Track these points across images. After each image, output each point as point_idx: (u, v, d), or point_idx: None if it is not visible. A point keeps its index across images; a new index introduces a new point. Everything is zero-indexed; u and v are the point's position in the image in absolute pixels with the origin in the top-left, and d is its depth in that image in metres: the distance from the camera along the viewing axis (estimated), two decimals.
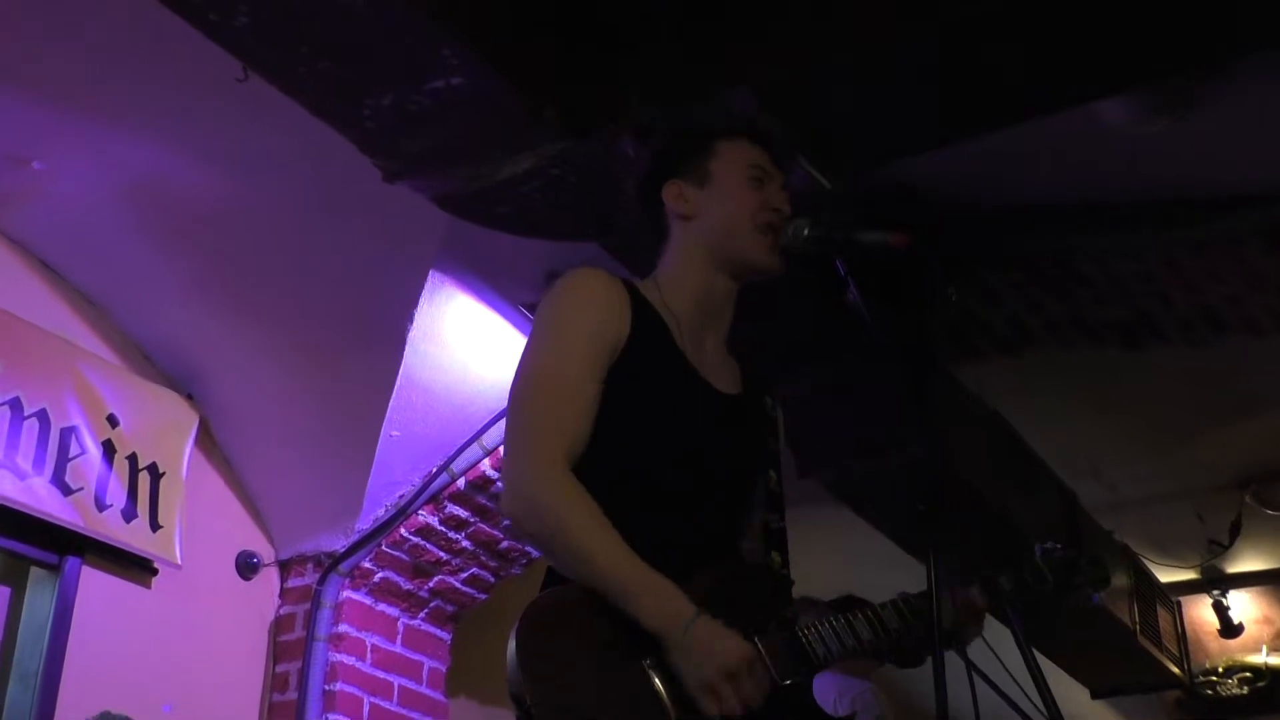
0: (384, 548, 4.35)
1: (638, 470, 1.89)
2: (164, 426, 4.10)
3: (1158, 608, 5.93)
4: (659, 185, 2.13)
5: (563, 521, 1.76)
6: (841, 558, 4.85)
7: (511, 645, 1.69)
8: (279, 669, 4.34)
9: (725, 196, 2.08)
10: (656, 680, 1.71)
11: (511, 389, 1.91)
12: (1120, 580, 5.51)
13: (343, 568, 4.35)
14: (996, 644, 2.21)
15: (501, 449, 4.25)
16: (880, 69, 2.86)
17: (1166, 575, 6.01)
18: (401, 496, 4.31)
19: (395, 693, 4.43)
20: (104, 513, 3.84)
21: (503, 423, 4.17)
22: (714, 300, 2.09)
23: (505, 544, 4.55)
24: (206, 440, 4.32)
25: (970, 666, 2.12)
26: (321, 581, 4.34)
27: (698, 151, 2.13)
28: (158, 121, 3.43)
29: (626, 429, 1.89)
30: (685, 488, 1.92)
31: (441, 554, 4.46)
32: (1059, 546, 2.22)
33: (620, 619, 1.72)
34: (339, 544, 4.34)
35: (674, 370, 1.98)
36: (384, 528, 4.32)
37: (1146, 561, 5.87)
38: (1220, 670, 6.21)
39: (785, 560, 2.02)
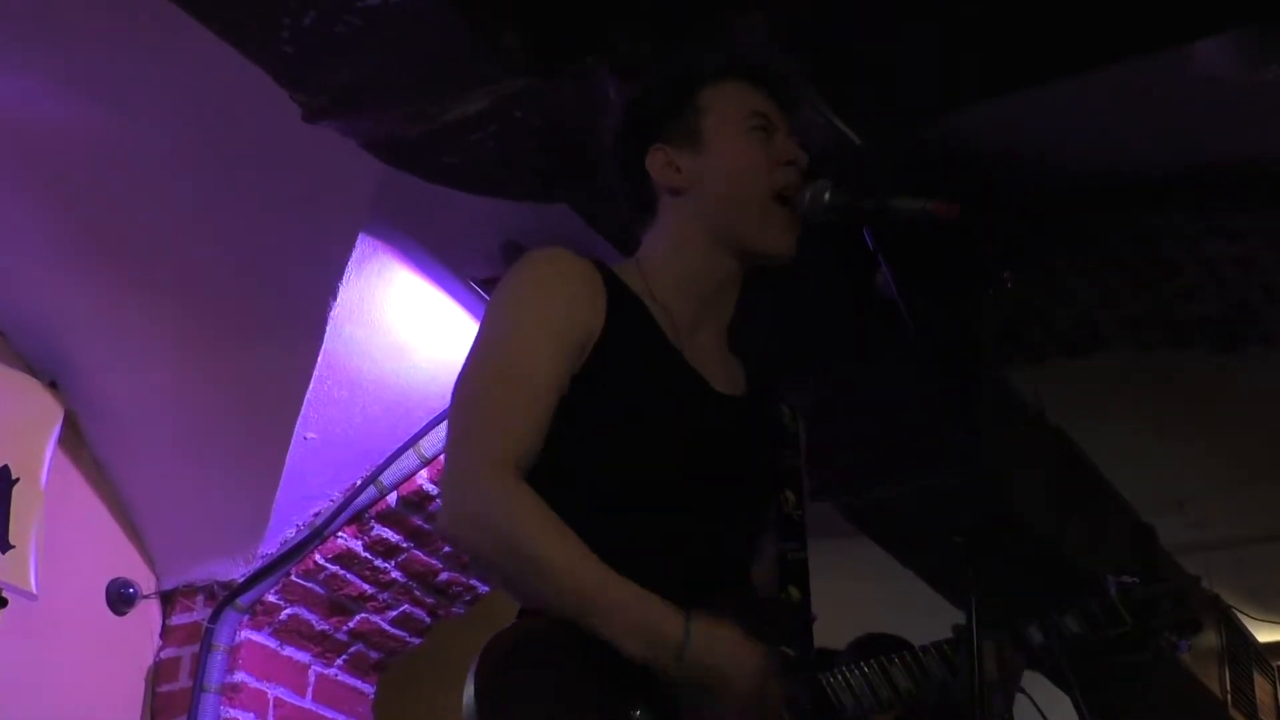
0: (294, 578, 4.35)
1: (619, 491, 1.89)
2: (18, 421, 4.10)
3: (1254, 674, 5.96)
4: (641, 152, 2.11)
5: (515, 533, 1.75)
6: (861, 599, 4.86)
7: (469, 692, 1.68)
8: None
9: (724, 160, 2.07)
10: None
11: (456, 385, 1.91)
12: (1208, 639, 5.53)
13: (241, 601, 4.34)
14: (1050, 709, 2.22)
15: (443, 458, 4.29)
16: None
17: (1266, 634, 6.04)
18: (317, 515, 4.32)
19: None
20: None
21: (444, 426, 4.25)
22: (713, 287, 2.09)
23: (445, 576, 4.57)
24: (73, 439, 4.32)
25: None
26: (214, 618, 4.33)
27: (683, 105, 2.11)
28: (15, 40, 3.39)
29: (604, 442, 1.89)
30: (679, 511, 1.91)
31: (365, 587, 4.47)
32: (1136, 580, 2.22)
33: (601, 654, 1.71)
34: (237, 572, 4.34)
35: (664, 370, 1.97)
36: (294, 553, 4.32)
37: (1242, 616, 5.89)
38: None
39: (806, 596, 2.00)
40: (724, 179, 2.06)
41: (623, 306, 1.96)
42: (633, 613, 1.72)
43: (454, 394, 1.90)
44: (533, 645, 1.75)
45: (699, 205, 2.06)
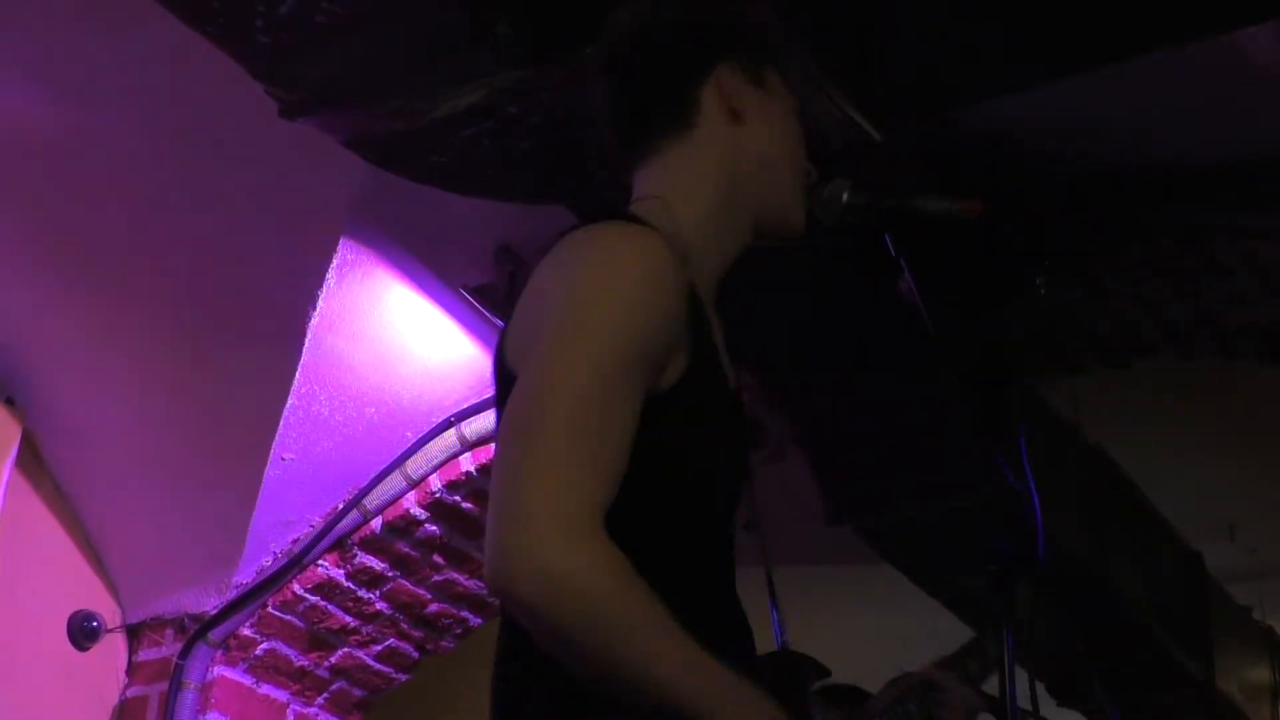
0: (270, 609, 4.34)
1: (686, 539, 1.74)
2: None
3: None
4: (709, 64, 1.95)
5: (615, 616, 1.51)
6: (882, 630, 4.86)
7: None
8: None
9: (780, 125, 1.99)
10: None
11: (525, 395, 1.62)
12: (1260, 675, 5.53)
13: (214, 635, 4.34)
14: None
15: (434, 479, 4.30)
16: None
17: None
18: (296, 541, 4.31)
19: None
20: None
21: (433, 446, 4.28)
22: (726, 260, 1.95)
23: (434, 607, 4.57)
24: (31, 460, 4.31)
25: None
26: (185, 654, 4.32)
27: (754, 45, 2.00)
28: None
29: (674, 482, 1.71)
30: (728, 551, 1.81)
31: (348, 619, 4.46)
32: None
33: None
34: (209, 603, 4.34)
35: (723, 394, 1.82)
36: (271, 582, 4.31)
37: None
38: None
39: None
40: (780, 141, 1.98)
41: (698, 314, 1.77)
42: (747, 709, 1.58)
43: (520, 408, 1.61)
44: None
45: (749, 148, 1.94)
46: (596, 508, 1.53)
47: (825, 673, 1.98)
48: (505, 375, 1.73)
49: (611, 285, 1.67)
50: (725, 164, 1.91)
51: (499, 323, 3.93)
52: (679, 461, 1.70)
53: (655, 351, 1.66)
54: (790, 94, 2.03)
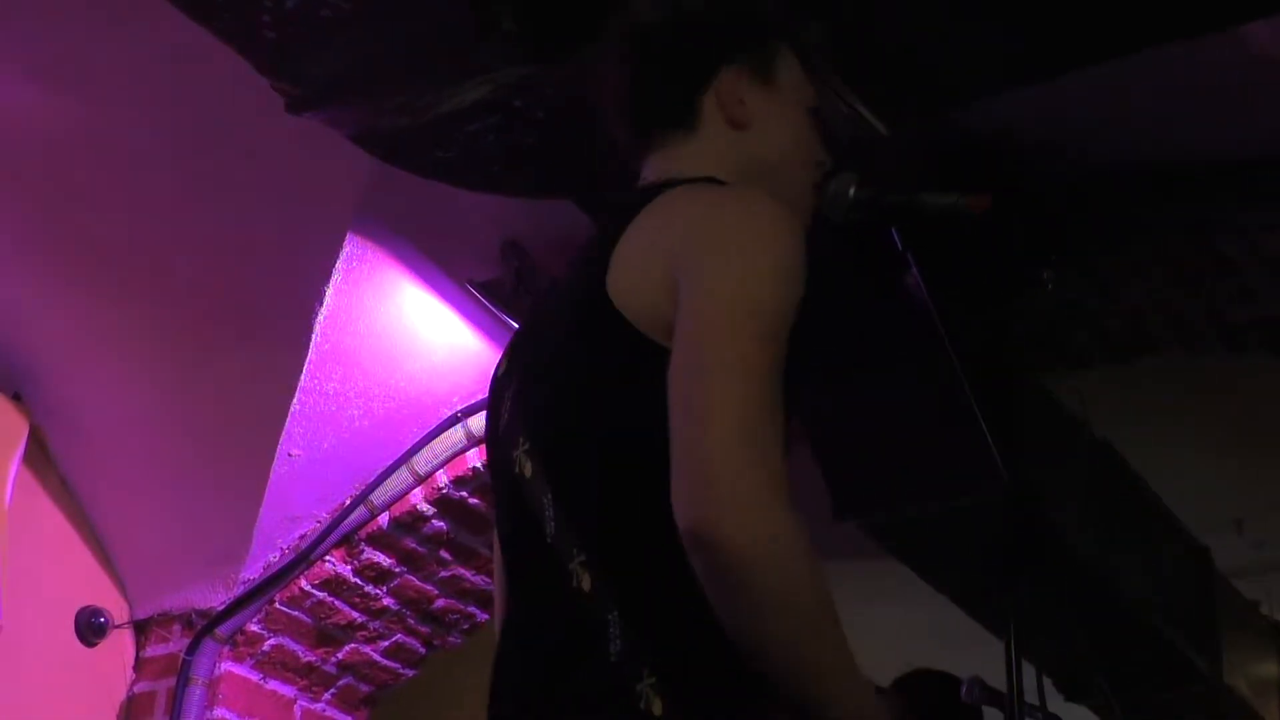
0: (278, 605, 4.35)
1: None
2: None
3: None
4: (711, 59, 1.94)
5: (811, 588, 1.51)
6: (889, 625, 4.85)
7: None
8: None
9: (790, 122, 1.96)
10: None
11: (723, 334, 1.58)
12: (1268, 670, 5.51)
13: (221, 631, 4.34)
14: None
15: (440, 475, 4.30)
16: None
17: None
18: (303, 537, 4.31)
19: None
20: None
21: (440, 442, 4.28)
22: None
23: (441, 603, 4.57)
24: (38, 456, 4.31)
25: None
26: (192, 649, 4.32)
27: (760, 34, 1.98)
28: None
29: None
30: None
31: (355, 615, 4.46)
32: None
33: None
34: (216, 599, 4.33)
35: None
36: (278, 578, 4.31)
37: None
38: None
39: None
40: (793, 145, 1.95)
41: None
42: (871, 700, 1.58)
43: (712, 347, 1.57)
44: None
45: (754, 150, 1.93)
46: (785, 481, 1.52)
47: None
48: (606, 311, 1.68)
49: (779, 247, 1.67)
50: (727, 167, 1.88)
51: (505, 318, 3.96)
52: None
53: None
54: (807, 85, 2.00)
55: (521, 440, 1.77)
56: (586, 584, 1.59)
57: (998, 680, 2.22)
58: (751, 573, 1.46)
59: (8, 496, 4.09)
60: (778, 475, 1.50)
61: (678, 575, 1.52)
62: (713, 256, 1.64)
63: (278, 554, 4.32)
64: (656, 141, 1.94)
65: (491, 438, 1.92)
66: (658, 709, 1.51)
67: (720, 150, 1.91)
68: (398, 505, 4.30)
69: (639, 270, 1.68)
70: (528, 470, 1.73)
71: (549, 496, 1.68)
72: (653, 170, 1.93)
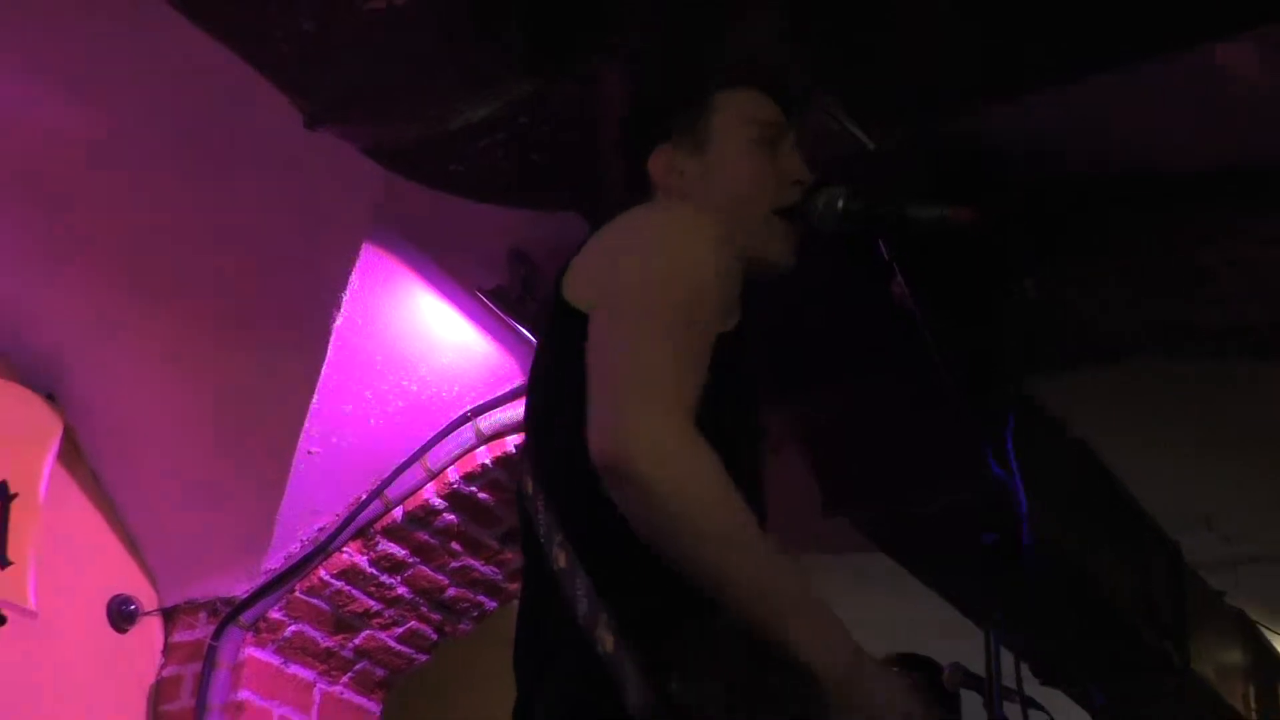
0: (298, 594, 4.32)
1: (737, 443, 1.77)
2: (16, 435, 4.07)
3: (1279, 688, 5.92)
4: (644, 151, 2.05)
5: (716, 500, 1.58)
6: (877, 616, 4.81)
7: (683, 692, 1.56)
8: None
9: (730, 168, 2.01)
10: None
11: (629, 295, 1.74)
12: (1233, 657, 5.49)
13: (244, 618, 4.31)
14: None
15: (451, 471, 4.27)
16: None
17: None
18: (321, 530, 4.28)
19: None
20: None
21: (451, 440, 4.23)
22: None
23: (452, 592, 4.55)
24: (71, 453, 4.29)
25: None
26: (217, 635, 4.30)
27: (691, 106, 2.05)
28: (6, 41, 3.37)
29: (724, 416, 1.75)
30: (760, 500, 1.82)
31: (371, 603, 4.44)
32: None
33: (764, 666, 1.61)
34: (240, 588, 4.31)
35: (750, 358, 1.91)
36: (298, 568, 4.29)
37: (1268, 633, 5.85)
38: None
39: None
40: (726, 193, 1.99)
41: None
42: (832, 635, 1.60)
43: (634, 302, 1.72)
44: (724, 641, 1.61)
45: (706, 200, 1.98)
46: (694, 407, 1.63)
47: None
48: (565, 312, 1.81)
49: (700, 233, 1.81)
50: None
51: (512, 323, 3.99)
52: (726, 396, 1.76)
53: (731, 301, 1.80)
54: (756, 120, 2.03)
55: (527, 448, 1.91)
56: (562, 561, 1.67)
57: (978, 667, 2.20)
58: (660, 496, 1.54)
59: (43, 491, 4.09)
60: (677, 413, 1.60)
61: (631, 540, 1.59)
62: (628, 254, 1.80)
63: (298, 545, 4.29)
64: (639, 197, 2.04)
65: None
66: (609, 646, 1.57)
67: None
68: (411, 500, 4.29)
69: (591, 269, 1.83)
70: (529, 484, 1.81)
71: (539, 490, 1.77)
72: None
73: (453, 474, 4.26)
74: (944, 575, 4.36)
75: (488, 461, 4.21)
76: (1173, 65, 3.01)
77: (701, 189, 1.99)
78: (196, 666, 4.30)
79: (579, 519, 1.68)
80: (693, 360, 1.67)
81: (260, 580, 4.28)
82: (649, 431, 1.57)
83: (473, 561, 4.48)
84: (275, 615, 4.32)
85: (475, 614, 4.65)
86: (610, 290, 1.75)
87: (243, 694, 4.26)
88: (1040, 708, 2.19)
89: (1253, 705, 5.57)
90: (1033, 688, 4.49)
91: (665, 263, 1.76)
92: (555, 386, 1.80)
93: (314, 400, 3.99)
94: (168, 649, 4.40)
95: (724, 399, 1.73)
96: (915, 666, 2.00)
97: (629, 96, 2.13)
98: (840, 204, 1.98)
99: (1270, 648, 5.86)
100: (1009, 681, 1.98)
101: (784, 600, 1.58)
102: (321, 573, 4.30)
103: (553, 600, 1.67)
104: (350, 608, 4.40)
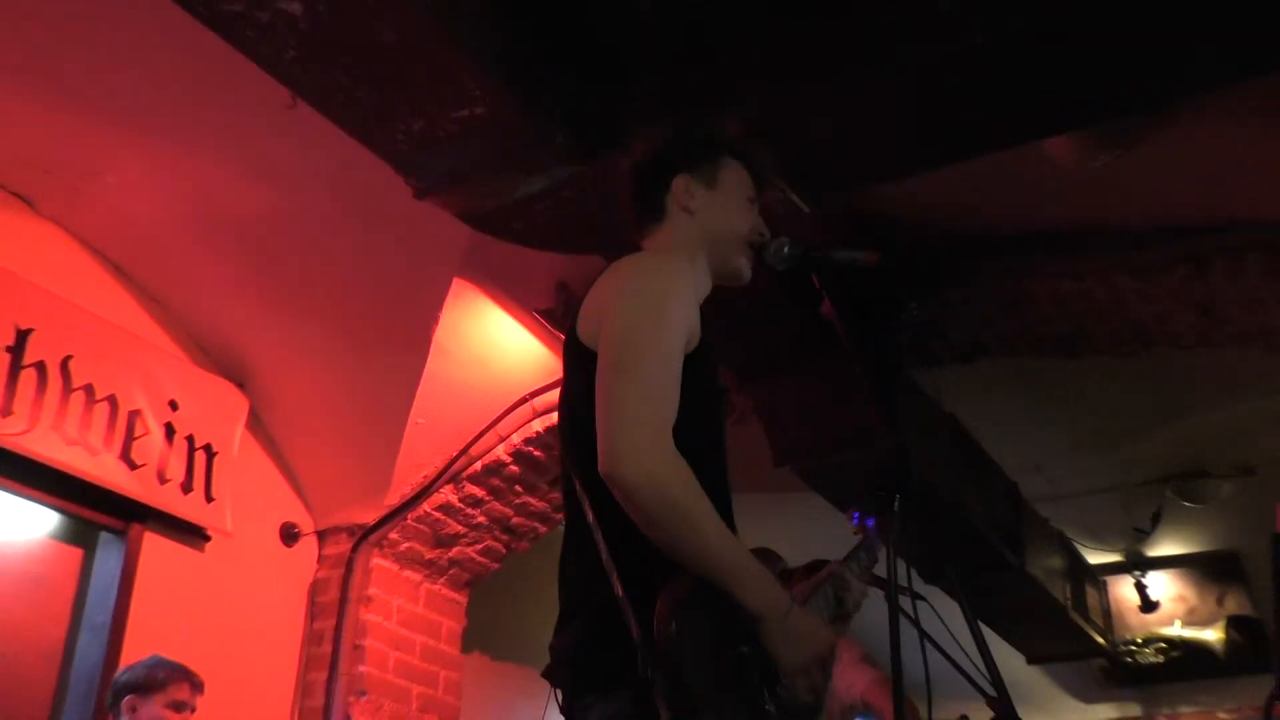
0: (409, 521, 4.31)
1: (702, 458, 1.71)
2: (218, 411, 4.06)
3: (1086, 586, 5.91)
4: (670, 175, 1.95)
5: (685, 501, 1.56)
6: (811, 534, 4.80)
7: (670, 628, 1.54)
8: (316, 625, 4.30)
9: (730, 208, 1.95)
10: (751, 665, 1.61)
11: (617, 346, 1.65)
12: (1054, 562, 5.49)
13: (372, 538, 4.31)
14: (948, 614, 2.16)
15: (515, 436, 4.24)
16: (855, 104, 2.80)
17: (1095, 558, 6.01)
18: (425, 476, 4.26)
19: (417, 648, 4.39)
20: (165, 485, 3.82)
21: (515, 414, 4.22)
22: (704, 294, 1.95)
23: (516, 520, 4.52)
24: (255, 424, 4.28)
25: (923, 636, 2.07)
26: (354, 550, 4.30)
27: (710, 154, 1.98)
28: (214, 140, 3.39)
29: (695, 418, 1.71)
30: (720, 471, 1.80)
31: (460, 528, 4.42)
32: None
33: (724, 608, 1.59)
34: (370, 517, 4.30)
35: (711, 358, 1.85)
36: (409, 504, 4.27)
37: (1079, 546, 5.84)
38: (1139, 641, 6.20)
39: None
40: (725, 223, 1.94)
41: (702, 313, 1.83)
42: (767, 588, 1.60)
43: (616, 355, 1.64)
44: (705, 597, 1.59)
45: (702, 226, 1.93)
46: (670, 424, 1.59)
47: (783, 560, 1.94)
48: (577, 346, 1.73)
49: (664, 280, 1.72)
50: (683, 242, 1.90)
51: (557, 333, 3.93)
52: (696, 397, 1.70)
53: (688, 326, 1.71)
54: (748, 184, 1.98)
55: (563, 435, 1.82)
56: (590, 517, 1.64)
57: (880, 571, 2.19)
58: (644, 501, 1.54)
59: (235, 450, 4.10)
60: (659, 434, 1.56)
61: (630, 522, 1.57)
62: (620, 297, 1.71)
63: (409, 488, 4.27)
64: (646, 228, 1.95)
65: None
66: (620, 590, 1.56)
67: (679, 227, 1.92)
68: (487, 456, 4.26)
69: (593, 314, 1.73)
70: (569, 463, 1.75)
71: (575, 464, 1.71)
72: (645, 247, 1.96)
73: (516, 438, 4.24)
74: (854, 506, 4.36)
75: (540, 430, 4.19)
76: (1012, 158, 2.98)
77: (706, 212, 1.93)
78: (340, 571, 4.31)
79: (600, 499, 1.62)
80: (666, 390, 1.62)
81: (383, 512, 4.28)
82: (635, 455, 1.54)
83: (530, 499, 4.45)
84: (393, 536, 4.32)
85: (531, 536, 4.63)
86: (605, 337, 1.67)
87: (372, 590, 4.28)
88: (923, 598, 2.17)
89: (1067, 596, 5.57)
90: (918, 585, 4.49)
91: (641, 315, 1.67)
92: (581, 402, 1.69)
93: (420, 385, 3.97)
94: (320, 559, 4.40)
95: (694, 401, 1.67)
96: (821, 566, 2.01)
97: (656, 141, 2.00)
98: (785, 249, 1.94)
99: (1080, 557, 5.86)
100: (902, 581, 1.98)
101: (735, 568, 1.57)
102: (426, 506, 4.28)
103: (587, 542, 1.64)
104: (445, 530, 4.39)
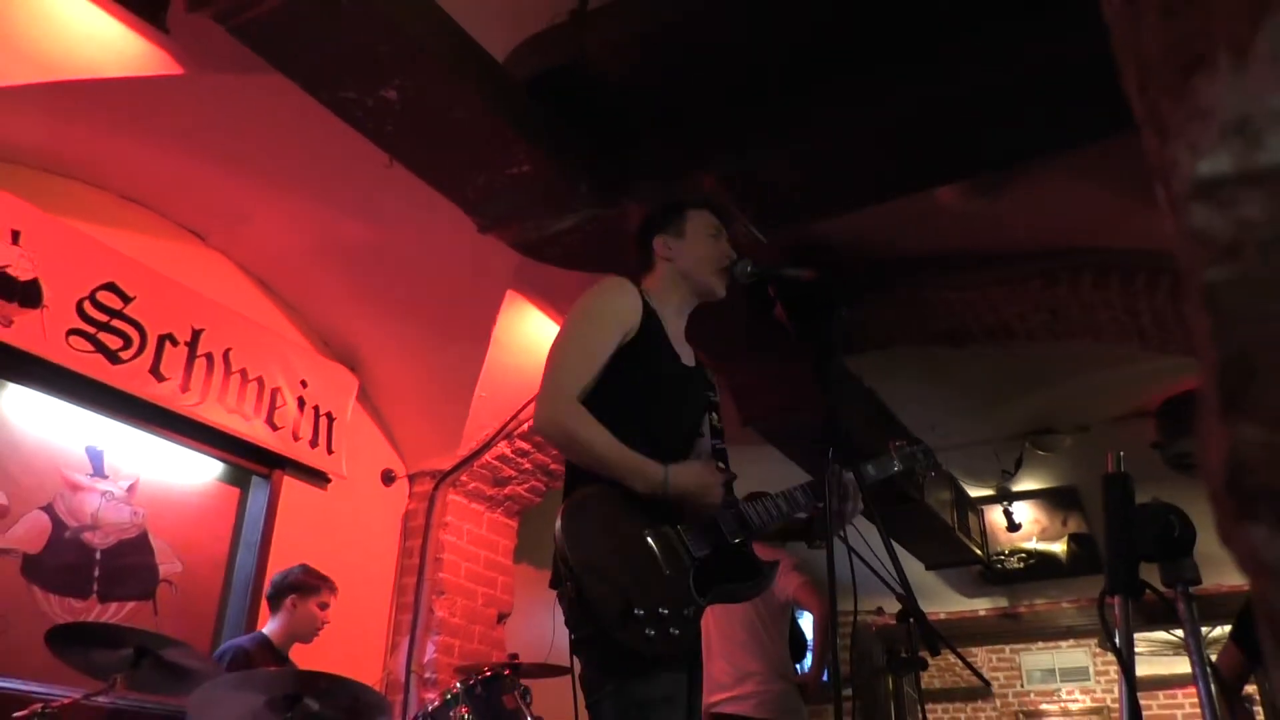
0: (475, 467, 4.31)
1: (639, 410, 1.78)
2: (336, 388, 4.07)
3: (968, 513, 5.93)
4: (651, 237, 1.99)
5: (578, 435, 1.64)
6: (765, 479, 4.82)
7: (557, 525, 1.61)
8: (407, 544, 4.31)
9: (696, 247, 1.97)
10: (650, 541, 1.65)
11: (552, 348, 1.75)
12: (945, 495, 5.50)
13: (448, 480, 4.31)
14: (867, 535, 2.17)
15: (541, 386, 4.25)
16: (800, 162, 2.81)
17: (975, 491, 6.01)
18: (487, 434, 4.26)
19: (481, 561, 4.41)
20: (297, 442, 3.84)
21: None
22: (684, 310, 2.00)
23: (554, 466, 4.51)
24: (363, 397, 4.28)
25: (850, 550, 2.08)
26: (435, 489, 4.30)
27: (676, 215, 1.99)
28: (332, 192, 3.38)
29: (633, 384, 1.77)
30: (665, 422, 1.82)
31: (512, 472, 4.43)
32: (905, 442, 2.18)
33: (625, 503, 1.63)
34: (446, 464, 4.30)
35: (663, 349, 1.88)
36: (475, 455, 4.27)
37: (963, 484, 5.86)
38: (1007, 553, 6.21)
39: (727, 467, 1.91)
40: (695, 259, 1.96)
41: (649, 312, 1.85)
42: (641, 470, 1.65)
43: (550, 353, 1.73)
44: (590, 498, 1.66)
45: (679, 267, 1.95)
46: (574, 392, 1.68)
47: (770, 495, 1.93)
48: None
49: (599, 296, 1.79)
50: (668, 281, 1.94)
51: None
52: (634, 370, 1.76)
53: (617, 319, 1.76)
54: (712, 223, 1.99)
55: None
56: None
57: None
58: (548, 435, 1.65)
59: (348, 416, 4.08)
60: (561, 393, 1.66)
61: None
62: (574, 305, 1.80)
63: (475, 443, 4.26)
64: (645, 273, 1.97)
65: None
66: (569, 476, 1.72)
67: (664, 272, 1.95)
68: (531, 420, 4.23)
69: None
70: None
71: None
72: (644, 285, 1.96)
73: None
74: (800, 453, 4.37)
75: None
76: (913, 201, 2.98)
77: (681, 256, 1.95)
78: (425, 504, 4.29)
79: None
80: (574, 368, 1.69)
81: (456, 460, 4.26)
82: (543, 408, 1.66)
83: None
84: (464, 478, 4.31)
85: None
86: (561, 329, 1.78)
87: (448, 517, 4.27)
88: (850, 522, 2.17)
89: (954, 520, 5.58)
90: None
91: (571, 320, 1.76)
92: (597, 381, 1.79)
93: (483, 367, 3.95)
94: (410, 495, 4.39)
95: (631, 373, 1.74)
96: (764, 495, 2.00)
97: (644, 213, 2.08)
98: (748, 268, 1.94)
99: (964, 491, 5.88)
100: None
101: (622, 469, 1.65)
102: (487, 456, 4.27)
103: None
104: (502, 474, 4.39)
